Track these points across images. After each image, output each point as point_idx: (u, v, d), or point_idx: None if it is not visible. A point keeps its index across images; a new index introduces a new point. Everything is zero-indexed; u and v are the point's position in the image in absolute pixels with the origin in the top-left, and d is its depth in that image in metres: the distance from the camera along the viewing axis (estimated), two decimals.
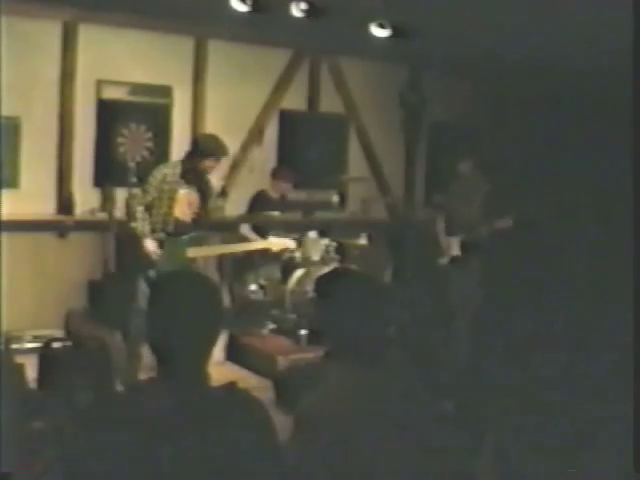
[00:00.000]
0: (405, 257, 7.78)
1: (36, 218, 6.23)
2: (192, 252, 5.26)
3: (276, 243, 5.93)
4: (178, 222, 5.24)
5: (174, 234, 5.23)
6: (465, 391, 4.36)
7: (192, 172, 5.28)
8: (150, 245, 5.16)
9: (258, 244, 5.94)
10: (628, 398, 3.00)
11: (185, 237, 5.26)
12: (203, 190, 5.38)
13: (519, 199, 6.42)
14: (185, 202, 5.25)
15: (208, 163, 5.30)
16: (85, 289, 6.47)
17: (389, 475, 2.13)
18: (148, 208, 5.22)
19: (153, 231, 5.19)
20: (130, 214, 5.27)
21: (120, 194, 6.26)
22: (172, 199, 5.20)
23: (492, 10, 5.35)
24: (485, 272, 6.43)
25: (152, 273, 5.03)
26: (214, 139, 5.41)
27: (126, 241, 5.80)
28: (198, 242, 5.35)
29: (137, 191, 5.34)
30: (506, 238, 6.25)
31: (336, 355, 2.30)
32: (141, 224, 5.17)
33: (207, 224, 5.45)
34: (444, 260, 6.54)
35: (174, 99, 6.96)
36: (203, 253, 5.40)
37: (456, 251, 6.44)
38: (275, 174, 6.83)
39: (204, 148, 5.31)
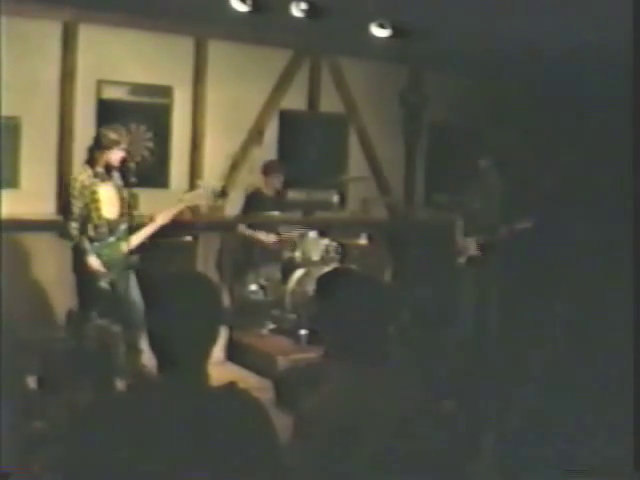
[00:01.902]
0: (405, 257, 7.78)
1: (36, 218, 6.22)
2: (125, 245, 5.19)
3: (189, 198, 5.63)
4: (110, 222, 5.12)
5: (107, 236, 5.11)
6: (467, 390, 4.36)
7: (102, 167, 5.10)
8: (94, 263, 5.02)
9: (176, 208, 5.48)
10: (628, 398, 3.00)
11: (116, 235, 5.15)
12: (120, 182, 5.23)
13: (529, 200, 6.40)
14: (108, 200, 5.13)
15: (112, 155, 5.10)
16: None
17: (389, 475, 2.13)
18: (82, 220, 5.04)
19: (92, 241, 5.04)
20: (66, 231, 5.08)
21: None
22: (96, 201, 5.06)
23: (492, 9, 5.35)
24: (503, 272, 6.41)
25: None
26: (111, 129, 5.18)
27: None
28: (130, 233, 5.24)
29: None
30: (525, 239, 6.23)
31: (336, 355, 2.30)
32: (80, 240, 5.02)
33: (131, 214, 5.29)
34: (461, 260, 6.53)
35: (174, 99, 6.96)
36: (135, 239, 5.24)
37: (473, 251, 6.43)
38: (265, 170, 6.81)
39: (103, 140, 5.09)
